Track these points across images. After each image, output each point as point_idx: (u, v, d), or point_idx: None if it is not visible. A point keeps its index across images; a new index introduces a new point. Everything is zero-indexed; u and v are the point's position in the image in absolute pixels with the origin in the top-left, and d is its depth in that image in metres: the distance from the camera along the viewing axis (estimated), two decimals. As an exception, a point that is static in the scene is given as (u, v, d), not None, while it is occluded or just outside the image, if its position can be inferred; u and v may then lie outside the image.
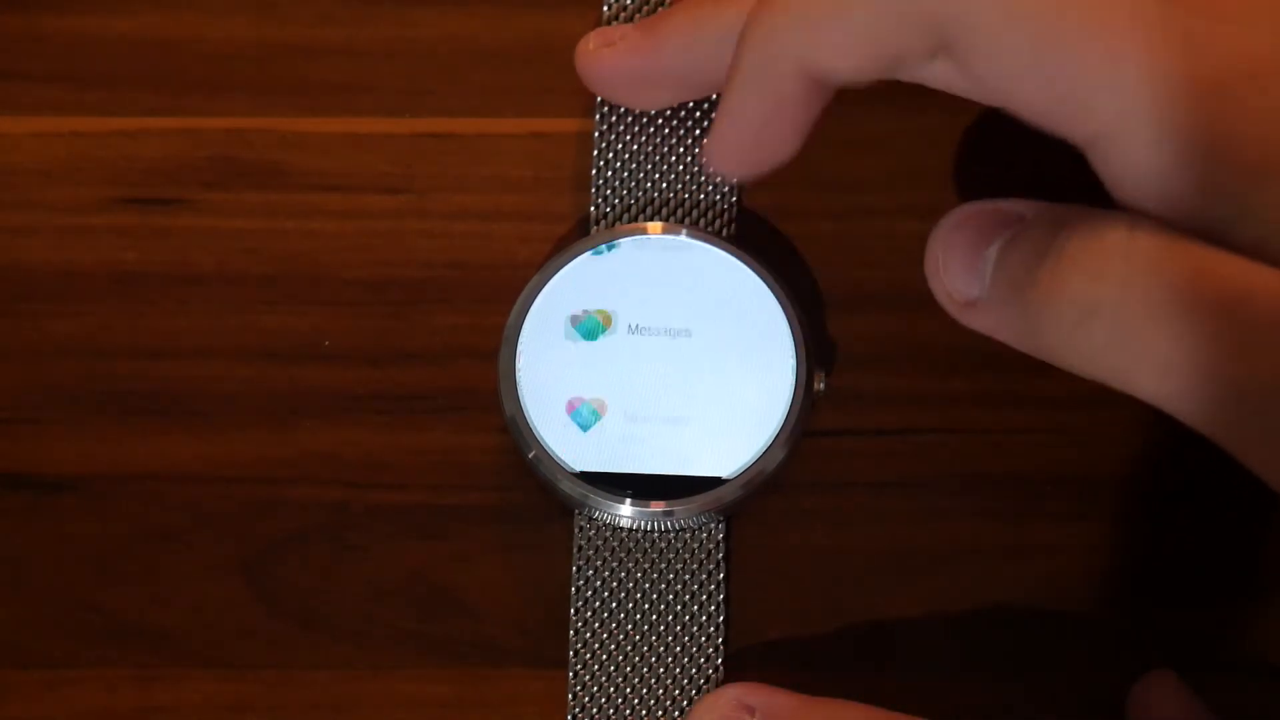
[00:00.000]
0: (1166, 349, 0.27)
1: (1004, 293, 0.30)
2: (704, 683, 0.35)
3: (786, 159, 0.33)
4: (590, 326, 0.35)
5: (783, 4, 0.31)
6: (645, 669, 0.35)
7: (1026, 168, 0.33)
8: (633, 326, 0.35)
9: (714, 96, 0.37)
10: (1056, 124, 0.30)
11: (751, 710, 0.33)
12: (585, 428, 0.35)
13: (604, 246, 0.35)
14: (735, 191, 0.36)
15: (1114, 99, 0.29)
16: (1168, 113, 0.28)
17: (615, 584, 0.35)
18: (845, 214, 0.37)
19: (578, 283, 0.35)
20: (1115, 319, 0.28)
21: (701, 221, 0.36)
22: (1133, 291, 0.28)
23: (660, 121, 0.37)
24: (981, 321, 0.30)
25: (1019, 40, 0.29)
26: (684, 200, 0.36)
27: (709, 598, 0.35)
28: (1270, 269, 0.27)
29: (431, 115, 0.37)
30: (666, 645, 0.35)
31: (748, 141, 0.32)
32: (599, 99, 0.37)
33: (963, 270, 0.31)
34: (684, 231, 0.35)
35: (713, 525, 0.35)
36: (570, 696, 0.35)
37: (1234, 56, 0.29)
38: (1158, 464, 0.36)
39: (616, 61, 0.35)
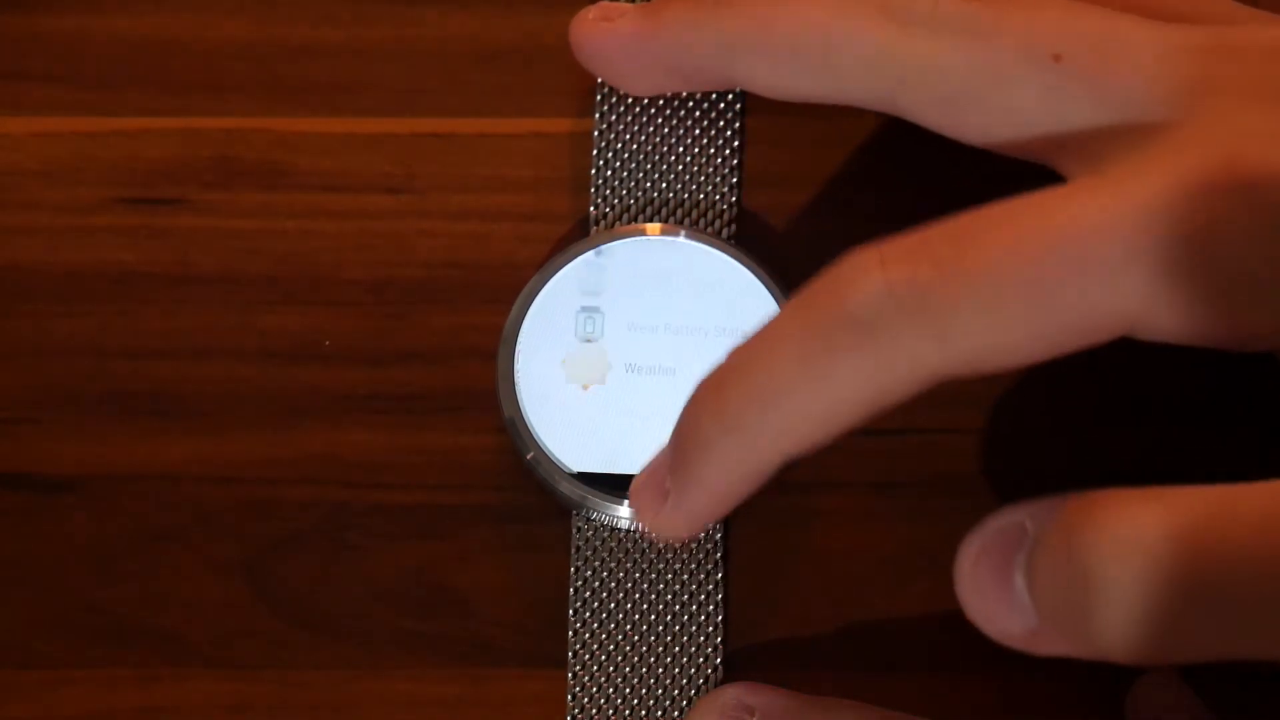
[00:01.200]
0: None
1: (1053, 613, 0.29)
2: (703, 683, 0.35)
3: None
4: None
5: (754, 393, 0.30)
6: (644, 669, 0.35)
7: (1026, 167, 0.33)
8: (632, 328, 0.35)
9: (712, 95, 0.37)
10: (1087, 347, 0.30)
11: (751, 710, 0.33)
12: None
13: (603, 247, 0.35)
14: (735, 192, 0.36)
15: (1136, 314, 0.29)
16: (1189, 292, 0.28)
17: (614, 584, 0.35)
18: (845, 214, 0.37)
19: (578, 283, 0.35)
20: (1152, 607, 0.27)
21: (702, 222, 0.36)
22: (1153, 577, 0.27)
23: (660, 121, 0.37)
24: (1051, 649, 0.29)
25: (1034, 335, 0.29)
26: (684, 200, 0.36)
27: (707, 598, 0.35)
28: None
29: (431, 115, 0.37)
30: (666, 645, 0.35)
31: (713, 512, 0.31)
32: (599, 99, 0.37)
33: (1006, 611, 0.29)
34: (683, 233, 0.35)
35: (711, 526, 0.35)
36: (570, 697, 0.35)
37: (1232, 194, 0.29)
38: (1158, 464, 0.36)
39: (612, 37, 0.35)
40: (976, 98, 0.32)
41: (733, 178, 0.36)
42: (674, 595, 0.35)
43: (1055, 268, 0.29)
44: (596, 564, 0.35)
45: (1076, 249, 0.29)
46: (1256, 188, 0.28)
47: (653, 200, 0.36)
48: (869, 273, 0.29)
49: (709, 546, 0.35)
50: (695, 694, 0.35)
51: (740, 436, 0.30)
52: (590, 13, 0.35)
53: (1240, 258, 0.28)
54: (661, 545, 0.35)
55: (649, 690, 0.35)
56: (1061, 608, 0.28)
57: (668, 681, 0.35)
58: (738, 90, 0.37)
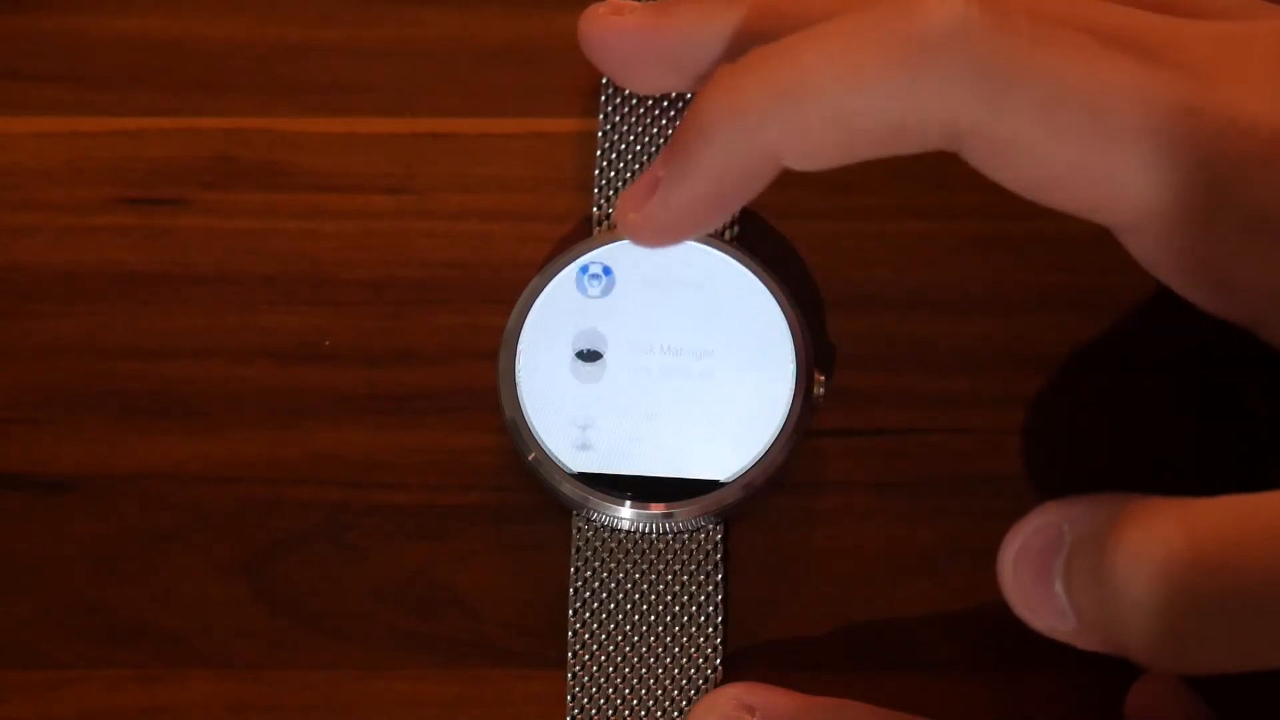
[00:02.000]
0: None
1: (1090, 623, 0.30)
2: (703, 683, 0.35)
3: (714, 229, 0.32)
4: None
5: (772, 84, 0.29)
6: (644, 669, 0.35)
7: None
8: (633, 329, 0.35)
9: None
10: (1078, 213, 0.30)
11: (752, 710, 0.33)
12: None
13: (605, 248, 0.35)
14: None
15: (1140, 197, 0.29)
16: (1191, 202, 0.29)
17: (614, 585, 0.35)
18: (845, 214, 0.37)
19: (578, 284, 0.35)
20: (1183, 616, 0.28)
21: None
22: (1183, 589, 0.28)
23: (665, 122, 0.37)
24: (1092, 647, 0.30)
25: (1058, 151, 0.29)
26: (685, 201, 0.36)
27: (707, 598, 0.35)
28: None
29: (431, 115, 0.37)
30: (665, 646, 0.35)
31: (696, 214, 0.31)
32: (603, 99, 0.37)
33: (1048, 612, 0.30)
34: (684, 233, 0.35)
35: (711, 527, 0.35)
36: (569, 697, 0.35)
37: (1254, 134, 0.29)
38: (1159, 464, 0.36)
39: (621, 33, 0.35)
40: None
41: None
42: (674, 595, 0.35)
43: (1112, 109, 0.29)
44: (596, 564, 0.35)
45: (1133, 104, 0.29)
46: (1272, 145, 0.29)
47: (654, 201, 0.36)
48: (953, 2, 0.29)
49: (709, 547, 0.35)
50: (695, 694, 0.35)
51: (747, 121, 0.29)
52: (600, 8, 0.35)
53: (1243, 202, 0.29)
54: (659, 532, 0.35)
55: (649, 690, 0.35)
56: (1095, 615, 0.29)
57: (668, 682, 0.35)
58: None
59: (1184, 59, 0.30)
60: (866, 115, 0.29)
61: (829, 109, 0.29)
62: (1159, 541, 0.28)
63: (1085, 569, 0.29)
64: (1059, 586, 0.30)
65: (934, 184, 0.37)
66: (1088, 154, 0.29)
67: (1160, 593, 0.28)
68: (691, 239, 0.33)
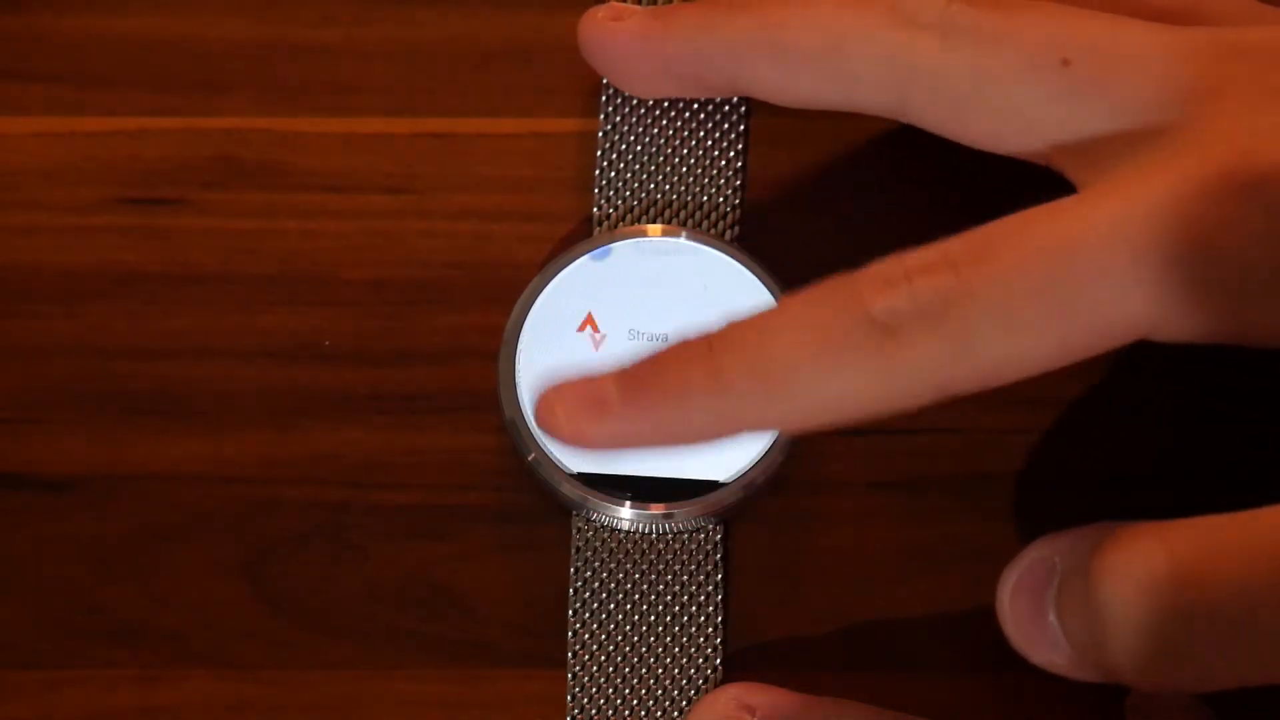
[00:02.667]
0: None
1: (1081, 649, 0.30)
2: (703, 683, 0.35)
3: None
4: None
5: (751, 369, 0.30)
6: (645, 669, 0.35)
7: (1030, 170, 0.33)
8: (633, 329, 0.35)
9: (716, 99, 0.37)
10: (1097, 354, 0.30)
11: (752, 710, 0.33)
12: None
13: (605, 248, 0.35)
14: (739, 194, 0.36)
15: (1143, 321, 0.29)
16: (1194, 298, 0.29)
17: (614, 585, 0.35)
18: (845, 214, 0.37)
19: (578, 285, 0.35)
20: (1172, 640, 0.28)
21: (705, 224, 0.36)
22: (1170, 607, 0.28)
23: (665, 123, 0.37)
24: (1087, 673, 0.30)
25: (1038, 349, 0.30)
26: (687, 202, 0.36)
27: (707, 599, 0.35)
28: None
29: (431, 115, 0.37)
30: (665, 646, 0.35)
31: (631, 448, 0.32)
32: (604, 99, 0.37)
33: (1044, 645, 0.31)
34: (684, 234, 0.35)
35: (711, 527, 0.35)
36: (569, 697, 0.35)
37: (1235, 194, 0.29)
38: (1158, 464, 0.36)
39: (621, 38, 0.35)
40: (984, 101, 0.32)
41: (736, 180, 0.36)
42: (674, 595, 0.35)
43: (1070, 278, 0.29)
44: (596, 564, 0.35)
45: (1087, 257, 0.29)
46: (1264, 185, 0.29)
47: (656, 201, 0.36)
48: (894, 281, 0.29)
49: (709, 548, 0.35)
50: (695, 694, 0.35)
51: (729, 399, 0.30)
52: (599, 12, 0.35)
53: (1249, 255, 0.29)
54: (659, 532, 0.35)
55: (649, 690, 0.35)
56: (1084, 642, 0.30)
57: (668, 682, 0.35)
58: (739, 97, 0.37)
59: (1169, 92, 0.30)
60: (849, 398, 0.30)
61: (812, 397, 0.30)
62: (1139, 561, 0.28)
63: (1073, 596, 0.30)
64: (1052, 617, 0.30)
65: (934, 184, 0.37)
66: (1069, 325, 0.29)
67: (1142, 610, 0.28)
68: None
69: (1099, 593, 0.29)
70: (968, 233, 0.30)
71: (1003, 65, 0.31)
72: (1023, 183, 0.32)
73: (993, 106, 0.32)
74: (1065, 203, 0.30)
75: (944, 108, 0.32)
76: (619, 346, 0.35)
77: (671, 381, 0.31)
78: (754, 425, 0.31)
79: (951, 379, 0.30)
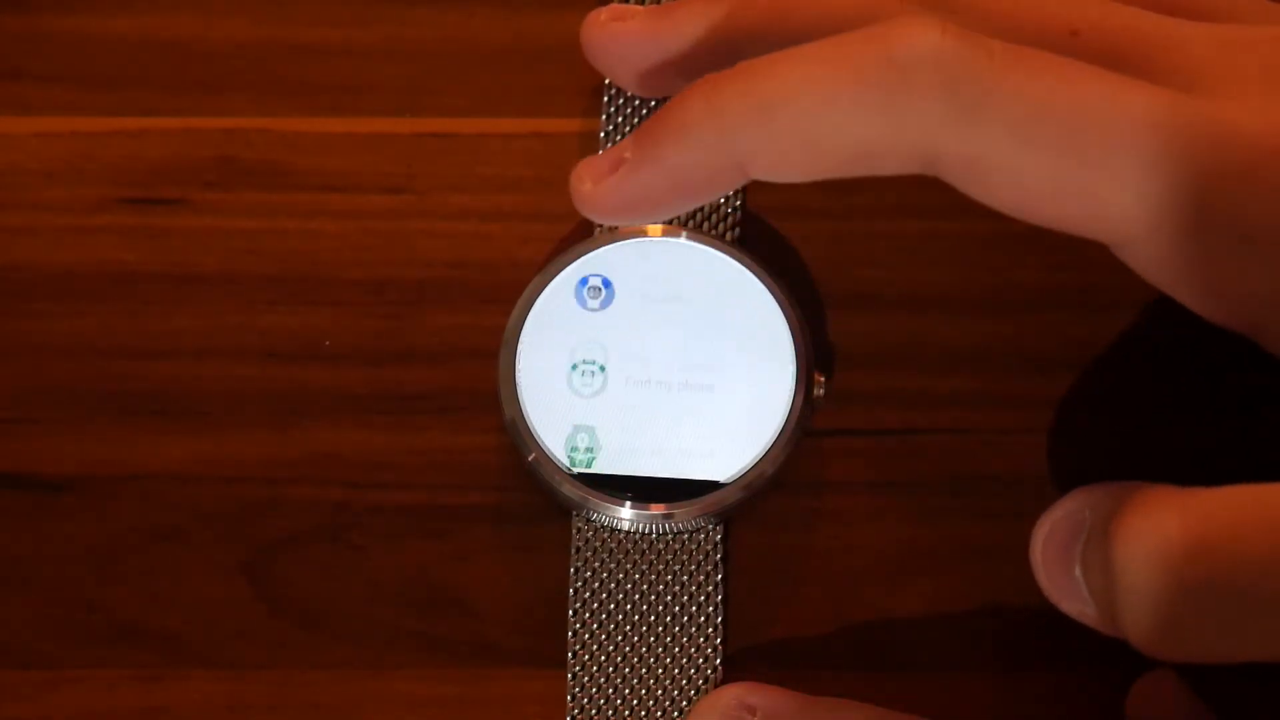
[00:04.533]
0: None
1: (1101, 606, 0.30)
2: (703, 683, 0.35)
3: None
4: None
5: (751, 95, 0.30)
6: (645, 669, 0.35)
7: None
8: (633, 329, 0.35)
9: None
10: (1069, 230, 0.30)
11: (753, 710, 0.33)
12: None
13: (606, 248, 0.35)
14: (740, 194, 0.36)
15: (1126, 214, 0.29)
16: (1179, 217, 0.29)
17: (613, 585, 0.35)
18: (845, 214, 0.37)
19: (579, 284, 0.35)
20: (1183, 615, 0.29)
21: (705, 224, 0.36)
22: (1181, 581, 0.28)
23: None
24: (1113, 631, 0.30)
25: (1035, 170, 0.29)
26: (687, 201, 0.36)
27: (707, 599, 0.35)
28: None
29: (431, 115, 0.37)
30: (666, 645, 0.35)
31: (650, 202, 0.31)
32: (606, 100, 0.37)
33: (1070, 597, 0.31)
34: (684, 234, 0.35)
35: (711, 527, 0.35)
36: (569, 697, 0.35)
37: (1240, 146, 0.29)
38: (1158, 464, 0.36)
39: (624, 39, 0.35)
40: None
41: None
42: (674, 595, 0.35)
43: (1096, 128, 0.29)
44: (596, 564, 0.35)
45: (1115, 129, 0.29)
46: (1264, 169, 0.29)
47: (655, 201, 0.36)
48: (928, 30, 0.29)
49: (709, 548, 0.35)
50: (695, 694, 0.35)
51: (723, 128, 0.30)
52: (602, 14, 0.35)
53: (1237, 226, 0.29)
54: (659, 533, 0.35)
55: (649, 690, 0.35)
56: (1102, 599, 0.30)
57: (668, 682, 0.35)
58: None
59: (1177, 66, 0.30)
60: (839, 133, 0.29)
61: (802, 124, 0.30)
62: (1155, 528, 0.28)
63: (1095, 552, 0.30)
64: (1078, 571, 0.30)
65: (934, 183, 0.36)
66: (1063, 172, 0.29)
67: (1155, 579, 0.28)
68: (632, 223, 0.34)
69: (1115, 555, 0.29)
70: (1011, 44, 0.29)
71: (1010, 36, 0.31)
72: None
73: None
74: (1118, 77, 0.30)
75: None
76: (619, 347, 0.35)
77: (674, 119, 0.30)
78: (743, 159, 0.30)
79: (943, 152, 0.29)
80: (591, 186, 0.31)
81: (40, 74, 0.38)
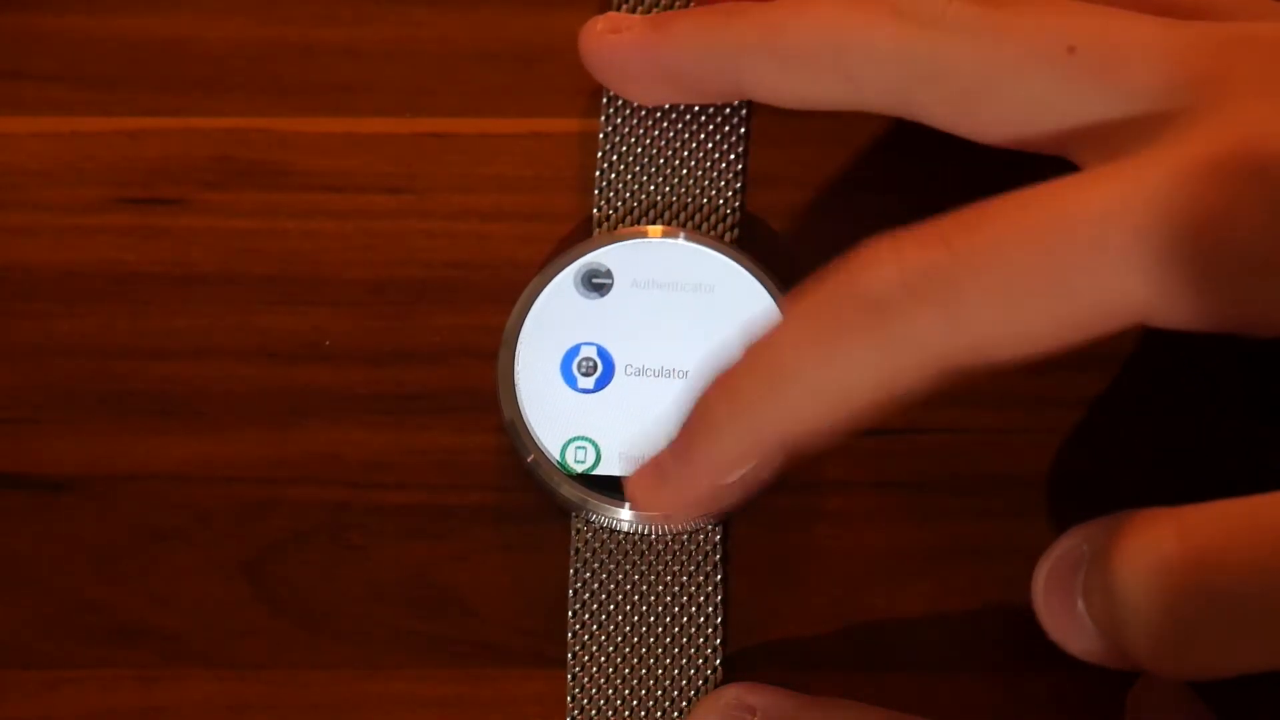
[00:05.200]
0: None
1: (1105, 635, 0.30)
2: (703, 683, 0.35)
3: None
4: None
5: (759, 374, 0.30)
6: (645, 669, 0.35)
7: (1030, 168, 0.33)
8: (633, 330, 0.35)
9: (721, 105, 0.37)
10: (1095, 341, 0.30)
11: (753, 710, 0.33)
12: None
13: (605, 249, 0.35)
14: (739, 195, 0.36)
15: (1135, 308, 0.29)
16: (1193, 284, 0.29)
17: (613, 585, 0.35)
18: (845, 215, 0.37)
19: (578, 285, 0.35)
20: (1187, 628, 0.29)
21: (705, 225, 0.36)
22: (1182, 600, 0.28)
23: (666, 124, 0.37)
24: (1122, 664, 0.30)
25: (1038, 324, 0.29)
26: (688, 204, 0.36)
27: (707, 599, 0.35)
28: None
29: (431, 115, 0.37)
30: (666, 646, 0.35)
31: (709, 499, 0.33)
32: (605, 101, 0.37)
33: (1076, 633, 0.31)
34: (683, 235, 0.35)
35: (710, 527, 0.35)
36: (569, 697, 0.35)
37: (1227, 177, 0.29)
38: (1158, 464, 0.36)
39: (620, 49, 0.35)
40: (991, 91, 0.32)
41: (736, 181, 0.36)
42: (674, 596, 0.35)
43: (1066, 253, 0.29)
44: (596, 565, 0.35)
45: (1087, 234, 0.29)
46: (1267, 171, 0.28)
47: (656, 202, 0.36)
48: (882, 258, 0.29)
49: (709, 548, 0.35)
50: (695, 694, 0.35)
51: (748, 417, 0.30)
52: (599, 24, 0.35)
53: (1251, 241, 0.29)
54: (658, 533, 0.35)
55: (649, 690, 0.35)
56: (1106, 625, 0.30)
57: (668, 682, 0.35)
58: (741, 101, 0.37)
59: (1174, 80, 0.30)
60: (852, 382, 0.30)
61: (814, 390, 0.30)
62: (1153, 545, 0.28)
63: (1096, 581, 0.30)
64: (1080, 605, 0.30)
65: (935, 186, 0.36)
66: (1065, 313, 0.29)
67: (1155, 595, 0.28)
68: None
69: (1116, 577, 0.29)
70: (964, 208, 0.30)
71: (1007, 55, 0.31)
72: (1020, 181, 0.32)
73: (999, 96, 0.32)
74: (1065, 181, 0.30)
75: (950, 102, 0.32)
76: (619, 348, 0.35)
77: (702, 422, 0.31)
78: (775, 434, 0.31)
79: (948, 353, 0.29)
80: (647, 497, 0.33)
81: (39, 74, 0.38)
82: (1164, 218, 0.28)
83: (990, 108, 0.32)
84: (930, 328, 0.29)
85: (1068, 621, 0.30)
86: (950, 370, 0.30)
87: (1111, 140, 0.31)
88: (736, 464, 0.31)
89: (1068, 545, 0.31)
